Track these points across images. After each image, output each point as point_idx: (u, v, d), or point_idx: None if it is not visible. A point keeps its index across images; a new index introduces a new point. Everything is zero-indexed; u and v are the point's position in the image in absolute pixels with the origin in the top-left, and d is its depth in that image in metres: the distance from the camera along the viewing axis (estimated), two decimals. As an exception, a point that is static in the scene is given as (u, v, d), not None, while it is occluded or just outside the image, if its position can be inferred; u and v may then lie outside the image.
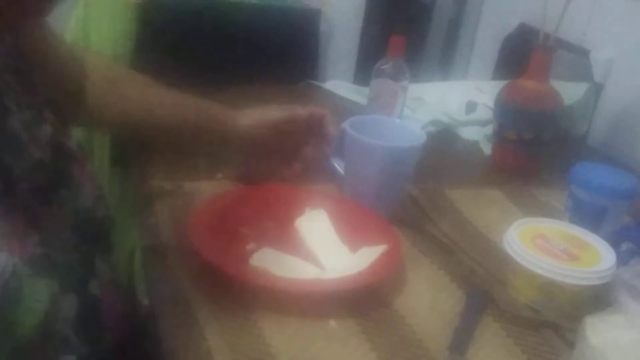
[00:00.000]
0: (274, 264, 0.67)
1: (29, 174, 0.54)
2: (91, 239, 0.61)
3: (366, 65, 1.15)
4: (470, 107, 1.22)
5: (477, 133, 1.17)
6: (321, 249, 0.72)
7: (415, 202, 0.88)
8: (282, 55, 1.45)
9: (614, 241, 0.72)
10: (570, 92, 1.11)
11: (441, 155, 1.06)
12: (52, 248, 0.54)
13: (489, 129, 1.11)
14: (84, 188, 0.61)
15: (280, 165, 0.85)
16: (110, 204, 0.67)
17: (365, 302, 0.65)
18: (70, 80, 0.75)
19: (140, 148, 0.91)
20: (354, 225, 0.75)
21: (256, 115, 0.84)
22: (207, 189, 0.82)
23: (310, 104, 0.92)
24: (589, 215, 0.80)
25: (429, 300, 0.68)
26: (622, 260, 0.69)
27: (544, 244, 0.69)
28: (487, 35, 1.64)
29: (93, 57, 0.82)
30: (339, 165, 0.86)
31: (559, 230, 0.73)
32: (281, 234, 0.74)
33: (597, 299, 0.65)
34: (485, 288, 0.71)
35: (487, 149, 1.11)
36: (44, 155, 0.56)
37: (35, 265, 0.52)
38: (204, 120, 0.82)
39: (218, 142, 0.83)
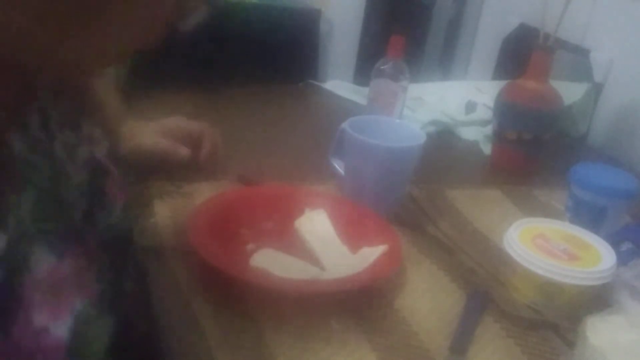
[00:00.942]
0: (273, 265, 0.67)
1: (74, 200, 0.51)
2: (121, 256, 0.58)
3: (366, 65, 1.15)
4: (470, 107, 1.22)
5: (477, 133, 1.17)
6: (321, 249, 0.72)
7: (415, 202, 0.88)
8: (282, 55, 1.45)
9: (614, 241, 0.72)
10: (570, 92, 1.11)
11: (441, 155, 1.06)
12: (106, 281, 0.52)
13: (489, 129, 1.11)
14: (116, 202, 0.58)
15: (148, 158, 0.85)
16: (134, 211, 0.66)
17: (365, 302, 0.65)
18: None
19: None
20: (354, 226, 0.75)
21: (141, 126, 0.85)
22: (207, 189, 0.82)
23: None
24: (589, 215, 0.80)
25: (429, 300, 0.68)
26: (622, 260, 0.69)
27: (544, 244, 0.69)
28: (487, 35, 1.64)
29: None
30: (338, 165, 0.86)
31: (559, 230, 0.73)
32: (281, 234, 0.74)
33: (598, 299, 0.65)
34: (485, 288, 0.71)
35: (486, 149, 1.11)
36: (82, 178, 0.53)
37: (99, 303, 0.50)
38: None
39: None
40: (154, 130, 0.85)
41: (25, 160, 0.45)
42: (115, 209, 0.57)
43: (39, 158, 0.47)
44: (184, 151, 0.84)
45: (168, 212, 0.78)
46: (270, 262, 0.67)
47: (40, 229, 0.45)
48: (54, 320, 0.45)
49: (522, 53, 1.04)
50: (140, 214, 0.77)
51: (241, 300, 0.62)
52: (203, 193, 0.81)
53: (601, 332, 0.56)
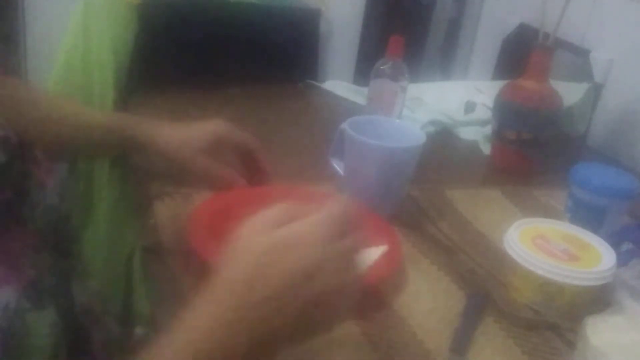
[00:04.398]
0: None
1: None
2: (62, 248, 0.58)
3: (366, 65, 1.15)
4: (469, 107, 1.22)
5: (476, 133, 1.17)
6: None
7: (415, 202, 0.88)
8: (282, 55, 1.45)
9: (614, 242, 0.72)
10: (570, 92, 1.11)
11: (441, 155, 1.06)
12: (40, 269, 0.51)
13: (488, 129, 1.11)
14: (45, 186, 0.57)
15: (200, 181, 0.83)
16: (71, 195, 0.64)
17: (365, 302, 0.65)
18: None
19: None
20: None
21: (181, 135, 0.81)
22: (207, 190, 0.82)
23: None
24: (589, 216, 0.79)
25: (429, 300, 0.68)
26: (622, 260, 0.69)
27: (544, 245, 0.69)
28: (487, 35, 1.64)
29: (12, 80, 0.80)
30: (338, 166, 0.86)
31: (559, 230, 0.73)
32: None
33: (598, 299, 0.65)
34: (485, 289, 0.71)
35: (486, 149, 1.11)
36: (2, 160, 0.51)
37: (33, 294, 0.49)
38: (118, 134, 0.80)
39: (138, 153, 0.82)
40: (199, 145, 0.80)
41: None
42: (46, 192, 0.57)
43: None
44: (240, 182, 0.81)
45: (168, 212, 0.77)
46: None
47: None
48: None
49: (522, 53, 1.04)
50: (140, 214, 0.77)
51: None
52: (202, 194, 0.81)
53: (601, 333, 0.56)
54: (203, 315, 0.43)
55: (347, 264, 0.46)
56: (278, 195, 0.79)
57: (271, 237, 0.44)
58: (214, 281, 0.45)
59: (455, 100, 1.24)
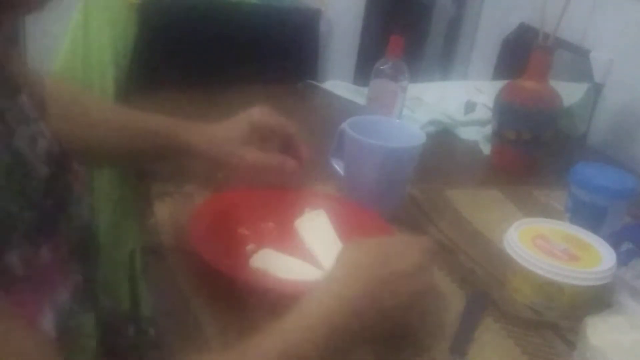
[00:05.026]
0: (273, 265, 0.67)
1: (41, 195, 0.50)
2: (89, 258, 0.58)
3: (366, 65, 1.15)
4: (469, 107, 1.22)
5: (476, 133, 1.17)
6: (321, 250, 0.72)
7: (415, 202, 0.88)
8: (282, 55, 1.45)
9: (614, 242, 0.72)
10: (570, 92, 1.11)
11: (441, 155, 1.06)
12: (89, 275, 0.52)
13: (488, 129, 1.11)
14: (82, 199, 0.58)
15: (251, 175, 0.81)
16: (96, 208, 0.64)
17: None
18: (41, 94, 0.70)
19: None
20: (354, 226, 0.75)
21: (218, 132, 0.79)
22: (207, 190, 0.82)
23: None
24: (589, 216, 0.79)
25: (429, 300, 0.68)
26: (623, 260, 0.69)
27: (544, 245, 0.69)
28: (487, 35, 1.64)
29: (52, 79, 0.78)
30: (338, 166, 0.86)
31: (559, 230, 0.73)
32: (281, 235, 0.74)
33: (598, 299, 0.65)
34: (485, 288, 0.71)
35: (486, 149, 1.11)
36: (46, 172, 0.52)
37: (82, 297, 0.50)
38: (164, 139, 0.79)
39: (181, 157, 0.80)
40: (239, 138, 0.78)
41: None
42: (83, 205, 0.57)
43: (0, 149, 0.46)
44: (294, 167, 0.79)
45: (168, 212, 0.78)
46: (270, 263, 0.67)
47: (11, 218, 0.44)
48: (36, 312, 0.44)
49: (522, 53, 1.04)
50: (140, 214, 0.77)
51: (241, 301, 0.62)
52: (203, 193, 0.81)
53: (601, 333, 0.56)
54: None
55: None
56: (278, 195, 0.79)
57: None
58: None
59: (455, 100, 1.24)
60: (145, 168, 0.86)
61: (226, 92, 1.17)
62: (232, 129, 0.79)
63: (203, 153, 0.78)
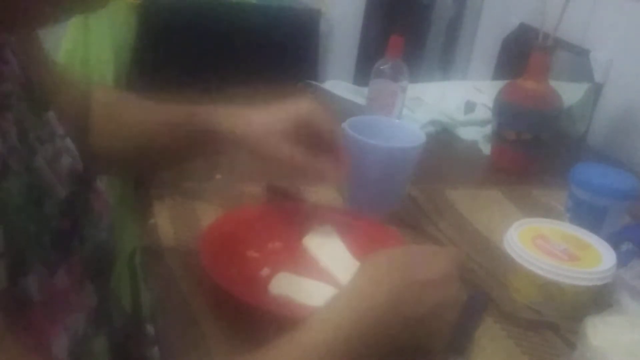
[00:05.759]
0: (294, 291, 0.64)
1: (58, 217, 0.49)
2: (104, 279, 0.56)
3: (366, 66, 1.15)
4: (469, 107, 1.22)
5: (476, 133, 1.17)
6: (337, 268, 0.69)
7: (415, 202, 0.88)
8: (281, 55, 1.45)
9: (614, 242, 0.72)
10: (570, 92, 1.11)
11: (441, 155, 1.06)
12: (99, 297, 0.51)
13: (488, 129, 1.11)
14: (102, 219, 0.56)
15: (286, 168, 0.75)
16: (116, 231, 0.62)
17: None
18: (75, 108, 0.69)
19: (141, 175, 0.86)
20: (363, 239, 0.73)
21: (262, 119, 0.73)
22: (207, 190, 0.82)
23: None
24: (589, 216, 0.79)
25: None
26: (623, 261, 0.69)
27: (544, 245, 0.69)
28: (487, 35, 1.64)
29: (89, 82, 0.78)
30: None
31: (559, 230, 0.73)
32: (292, 254, 0.71)
33: (598, 299, 0.65)
34: (485, 289, 0.71)
35: (486, 149, 1.11)
36: (67, 191, 0.51)
37: (96, 319, 0.49)
38: (203, 131, 0.74)
39: (220, 148, 0.75)
40: (283, 130, 0.71)
41: (6, 166, 0.44)
42: (102, 226, 0.56)
43: (20, 169, 0.45)
44: (330, 174, 0.72)
45: (168, 213, 0.77)
46: (290, 289, 0.64)
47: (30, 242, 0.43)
48: (50, 338, 0.44)
49: (522, 53, 1.04)
50: (140, 214, 0.77)
51: (261, 328, 0.56)
52: (203, 194, 0.81)
53: (601, 333, 0.56)
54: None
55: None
56: (280, 213, 0.77)
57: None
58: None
59: (455, 100, 1.24)
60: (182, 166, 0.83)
61: (226, 92, 1.17)
62: (277, 117, 0.73)
63: (238, 142, 0.72)
